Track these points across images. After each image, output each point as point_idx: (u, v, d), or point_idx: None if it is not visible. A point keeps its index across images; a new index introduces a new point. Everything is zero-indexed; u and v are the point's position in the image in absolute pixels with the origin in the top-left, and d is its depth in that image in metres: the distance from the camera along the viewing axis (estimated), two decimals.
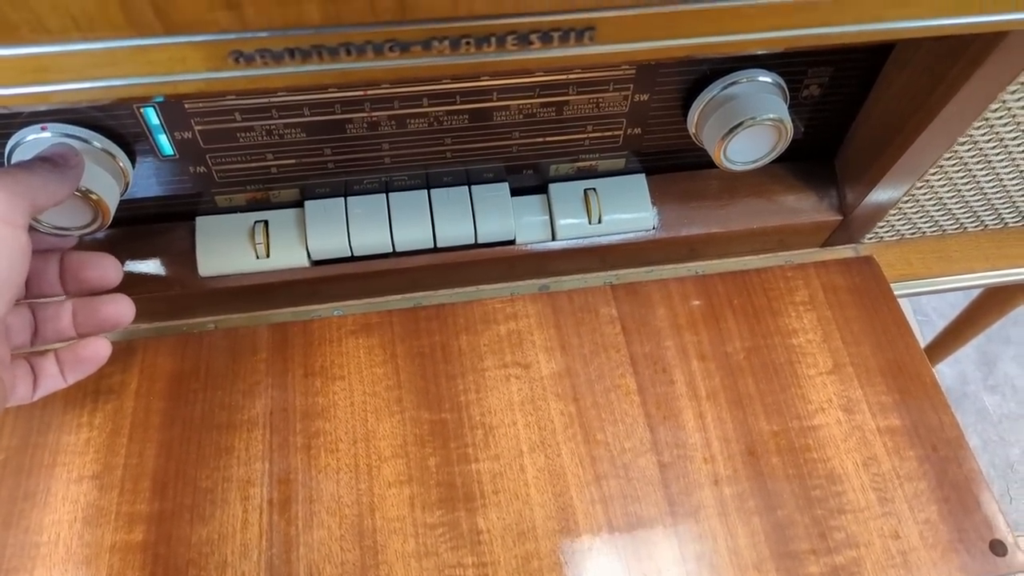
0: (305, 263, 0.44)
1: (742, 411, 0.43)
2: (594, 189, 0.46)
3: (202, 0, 0.24)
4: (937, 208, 0.46)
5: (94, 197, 0.35)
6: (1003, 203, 0.46)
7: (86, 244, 0.39)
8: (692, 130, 0.41)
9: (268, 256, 0.44)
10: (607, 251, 0.47)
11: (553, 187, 0.46)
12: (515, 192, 0.45)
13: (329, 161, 0.41)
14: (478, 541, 0.39)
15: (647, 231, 0.46)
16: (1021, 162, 0.42)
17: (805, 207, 0.47)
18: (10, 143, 0.36)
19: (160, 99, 0.35)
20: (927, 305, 1.36)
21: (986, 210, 0.46)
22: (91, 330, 0.38)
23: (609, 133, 0.43)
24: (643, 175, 0.46)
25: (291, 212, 0.44)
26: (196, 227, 0.44)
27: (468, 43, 0.26)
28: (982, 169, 0.42)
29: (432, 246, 0.44)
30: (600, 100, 0.40)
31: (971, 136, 0.39)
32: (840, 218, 0.47)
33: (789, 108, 0.39)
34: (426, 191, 0.44)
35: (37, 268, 0.37)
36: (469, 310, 0.46)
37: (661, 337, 0.46)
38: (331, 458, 0.41)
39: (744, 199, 0.47)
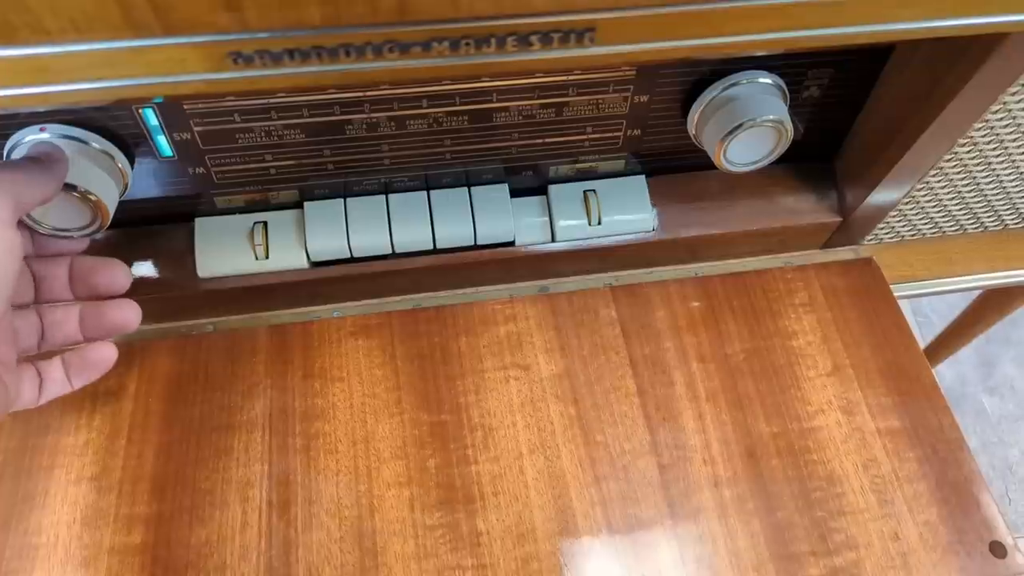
0: (304, 264, 0.44)
1: (742, 413, 0.43)
2: (594, 190, 0.45)
3: (201, 1, 0.24)
4: (937, 210, 0.46)
5: (93, 198, 0.35)
6: (1003, 205, 0.46)
7: (92, 248, 0.39)
8: (692, 131, 0.41)
9: (267, 257, 0.44)
10: (607, 252, 0.47)
11: (553, 188, 0.46)
12: (515, 193, 0.45)
13: (328, 162, 0.41)
14: (477, 543, 0.39)
15: (647, 232, 0.46)
16: (1021, 164, 0.42)
17: (805, 208, 0.47)
18: (8, 144, 0.36)
19: (159, 100, 0.35)
20: (927, 306, 1.36)
21: (986, 212, 0.46)
22: (98, 335, 0.38)
23: (609, 134, 0.43)
24: (643, 176, 0.46)
25: (290, 213, 0.44)
26: (195, 228, 0.44)
27: (468, 44, 0.26)
28: (982, 171, 0.42)
29: (432, 247, 0.44)
30: (600, 101, 0.40)
31: (971, 138, 0.39)
32: (840, 220, 0.47)
33: (789, 109, 0.39)
34: (425, 192, 0.44)
35: (47, 272, 0.37)
36: (469, 311, 0.46)
37: (661, 339, 0.46)
38: (330, 460, 0.41)
39: (744, 200, 0.47)
